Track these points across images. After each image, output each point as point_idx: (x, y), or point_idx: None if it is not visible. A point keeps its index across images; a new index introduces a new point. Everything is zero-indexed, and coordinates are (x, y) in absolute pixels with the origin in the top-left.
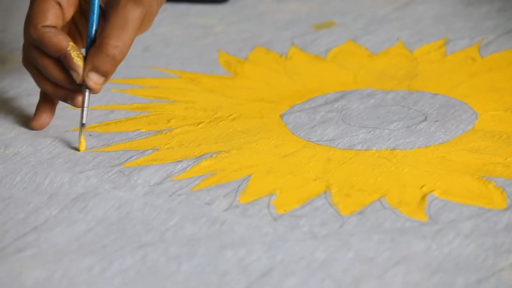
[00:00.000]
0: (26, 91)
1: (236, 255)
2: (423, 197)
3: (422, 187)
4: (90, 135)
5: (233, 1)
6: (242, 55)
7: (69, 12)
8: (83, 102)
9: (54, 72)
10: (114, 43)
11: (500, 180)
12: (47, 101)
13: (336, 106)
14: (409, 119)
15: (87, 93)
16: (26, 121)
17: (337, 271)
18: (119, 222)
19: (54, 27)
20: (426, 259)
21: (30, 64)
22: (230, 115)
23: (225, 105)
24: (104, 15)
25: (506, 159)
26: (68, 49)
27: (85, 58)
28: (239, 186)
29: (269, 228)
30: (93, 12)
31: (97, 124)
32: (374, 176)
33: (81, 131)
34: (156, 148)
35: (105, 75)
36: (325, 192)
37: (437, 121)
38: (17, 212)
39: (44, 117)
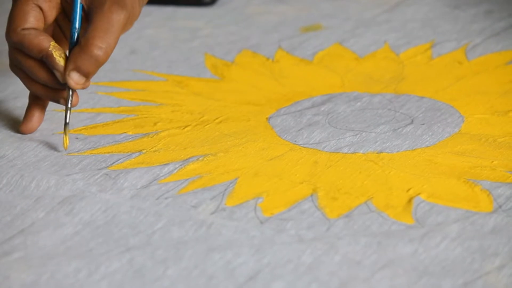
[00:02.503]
0: (13, 94)
1: (223, 258)
2: (410, 200)
3: (408, 190)
4: (77, 138)
5: (220, 4)
6: (229, 58)
7: (52, 14)
8: (66, 101)
9: (40, 73)
10: (99, 44)
11: (487, 183)
12: (36, 105)
13: (322, 109)
14: (396, 122)
15: (70, 93)
16: (12, 124)
17: (324, 274)
18: (105, 225)
19: (34, 29)
20: (413, 262)
21: (17, 68)
22: (217, 118)
23: (211, 108)
24: (87, 17)
25: (492, 162)
26: (50, 49)
27: (68, 58)
28: (225, 189)
29: (256, 231)
30: (76, 12)
31: (84, 127)
32: (361, 179)
33: (64, 130)
34: (143, 151)
35: (87, 75)
36: (311, 195)
37: (423, 124)
38: (4, 215)
39: (33, 121)
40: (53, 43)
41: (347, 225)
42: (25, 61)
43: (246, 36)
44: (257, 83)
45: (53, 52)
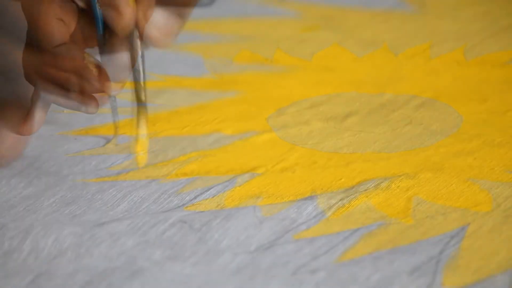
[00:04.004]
0: None
1: (221, 259)
2: (409, 200)
3: (407, 190)
4: (75, 139)
5: (218, 4)
6: (227, 58)
7: (73, 25)
8: (112, 110)
9: (75, 84)
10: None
11: (485, 182)
12: (39, 107)
13: (321, 109)
14: (394, 122)
15: (113, 98)
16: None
17: (323, 274)
18: (104, 225)
19: (64, 44)
20: (412, 262)
21: (39, 79)
22: (216, 119)
23: (210, 108)
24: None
25: (491, 161)
26: (84, 62)
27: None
28: (224, 189)
29: (254, 231)
30: (98, 20)
31: (83, 128)
32: (360, 179)
33: (115, 134)
34: (141, 151)
35: (121, 81)
36: (310, 195)
37: (422, 124)
38: (3, 215)
39: (34, 124)
40: (86, 55)
41: (346, 225)
42: (59, 74)
43: (245, 36)
44: (256, 83)
45: (88, 64)
